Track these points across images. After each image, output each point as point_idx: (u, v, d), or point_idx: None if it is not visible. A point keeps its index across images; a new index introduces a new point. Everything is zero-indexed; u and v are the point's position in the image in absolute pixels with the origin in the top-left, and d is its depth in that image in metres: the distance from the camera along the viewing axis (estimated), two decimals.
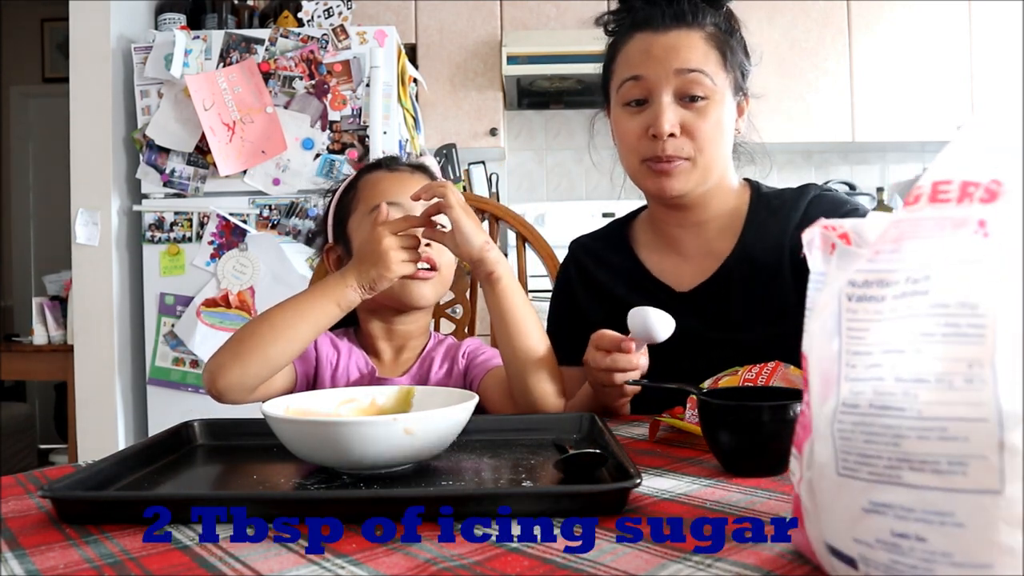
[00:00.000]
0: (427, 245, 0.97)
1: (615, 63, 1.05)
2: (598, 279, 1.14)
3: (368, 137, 2.48)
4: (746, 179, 1.13)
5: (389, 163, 1.11)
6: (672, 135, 0.98)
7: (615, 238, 1.18)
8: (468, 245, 0.89)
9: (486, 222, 1.42)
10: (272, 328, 0.88)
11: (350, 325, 1.08)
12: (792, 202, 1.06)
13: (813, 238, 0.42)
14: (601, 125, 1.14)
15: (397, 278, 0.90)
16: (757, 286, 1.02)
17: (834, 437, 0.36)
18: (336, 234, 1.08)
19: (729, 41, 1.01)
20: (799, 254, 1.09)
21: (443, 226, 0.92)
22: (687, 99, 0.98)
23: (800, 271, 1.00)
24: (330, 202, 1.11)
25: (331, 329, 0.92)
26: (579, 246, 1.21)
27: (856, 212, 1.04)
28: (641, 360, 0.87)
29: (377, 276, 0.88)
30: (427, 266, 0.99)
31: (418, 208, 0.96)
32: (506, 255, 3.60)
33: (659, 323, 0.82)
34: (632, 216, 1.20)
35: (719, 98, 0.99)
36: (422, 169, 1.11)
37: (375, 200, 1.02)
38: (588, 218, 3.10)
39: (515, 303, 0.92)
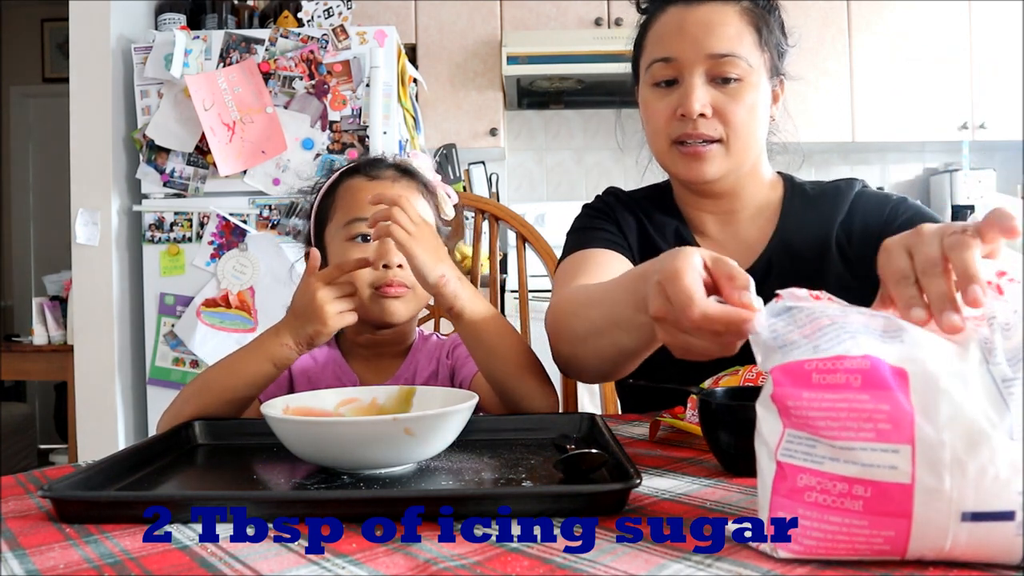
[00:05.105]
0: (399, 267, 0.94)
1: (646, 39, 1.00)
2: (645, 228, 1.06)
3: (368, 137, 2.48)
4: (778, 172, 1.10)
5: (369, 167, 1.03)
6: (703, 115, 0.93)
7: (659, 197, 1.09)
8: (423, 278, 0.83)
9: (486, 222, 1.42)
10: (210, 391, 0.86)
11: None
12: (834, 195, 1.03)
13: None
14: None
15: (335, 332, 0.85)
16: (799, 279, 1.01)
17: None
18: (316, 241, 1.03)
19: (766, 17, 0.96)
20: (846, 248, 1.04)
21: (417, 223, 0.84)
22: (719, 80, 0.94)
23: (847, 265, 0.99)
24: (312, 204, 1.05)
25: None
26: (619, 193, 1.11)
27: (903, 204, 1.00)
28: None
29: (314, 333, 0.84)
30: (405, 284, 0.95)
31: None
32: (506, 255, 3.54)
33: None
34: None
35: (754, 80, 0.95)
36: (407, 173, 1.03)
37: (353, 212, 0.97)
38: None
39: (485, 331, 0.86)
